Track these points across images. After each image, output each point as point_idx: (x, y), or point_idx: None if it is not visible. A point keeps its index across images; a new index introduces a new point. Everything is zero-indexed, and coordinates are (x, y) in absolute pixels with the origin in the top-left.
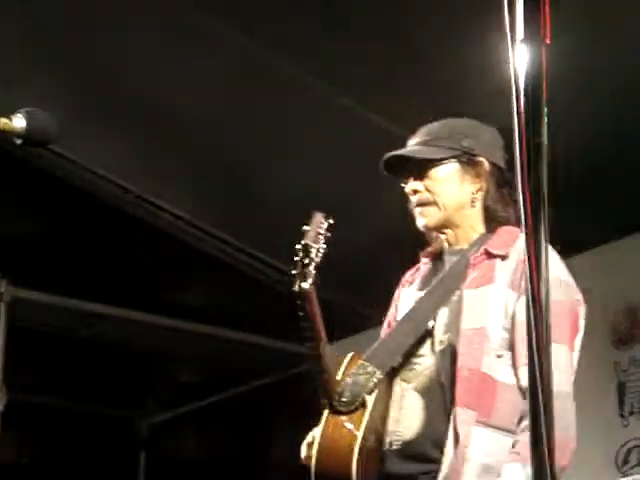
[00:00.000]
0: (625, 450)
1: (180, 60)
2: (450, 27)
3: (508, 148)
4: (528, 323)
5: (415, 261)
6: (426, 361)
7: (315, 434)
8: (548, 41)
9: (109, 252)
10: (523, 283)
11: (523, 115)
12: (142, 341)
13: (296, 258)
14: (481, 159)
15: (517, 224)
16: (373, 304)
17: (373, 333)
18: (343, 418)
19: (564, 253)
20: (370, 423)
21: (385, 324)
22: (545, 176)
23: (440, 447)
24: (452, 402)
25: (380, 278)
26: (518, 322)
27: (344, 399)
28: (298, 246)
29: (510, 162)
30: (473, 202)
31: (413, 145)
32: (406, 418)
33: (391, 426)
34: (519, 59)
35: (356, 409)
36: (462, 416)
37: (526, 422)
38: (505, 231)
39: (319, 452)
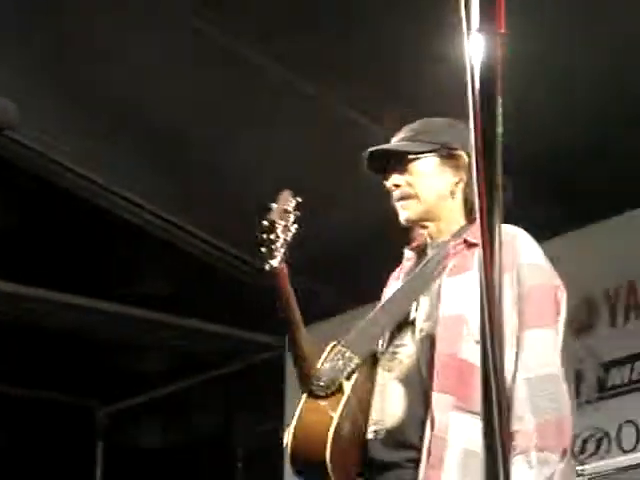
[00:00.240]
0: (581, 440)
1: (135, 42)
2: (411, 18)
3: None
4: (481, 307)
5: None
6: (407, 350)
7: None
8: (503, 30)
9: (68, 241)
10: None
11: (478, 103)
12: (101, 329)
13: (262, 234)
14: (460, 152)
15: None
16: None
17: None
18: (320, 402)
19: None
20: (347, 408)
21: None
22: (500, 162)
23: (421, 433)
24: (431, 388)
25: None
26: None
27: (321, 383)
28: (264, 222)
29: None
30: (453, 194)
31: (395, 142)
32: (389, 406)
33: (375, 415)
34: (474, 48)
35: (333, 394)
36: (439, 401)
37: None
38: None
39: (295, 435)
